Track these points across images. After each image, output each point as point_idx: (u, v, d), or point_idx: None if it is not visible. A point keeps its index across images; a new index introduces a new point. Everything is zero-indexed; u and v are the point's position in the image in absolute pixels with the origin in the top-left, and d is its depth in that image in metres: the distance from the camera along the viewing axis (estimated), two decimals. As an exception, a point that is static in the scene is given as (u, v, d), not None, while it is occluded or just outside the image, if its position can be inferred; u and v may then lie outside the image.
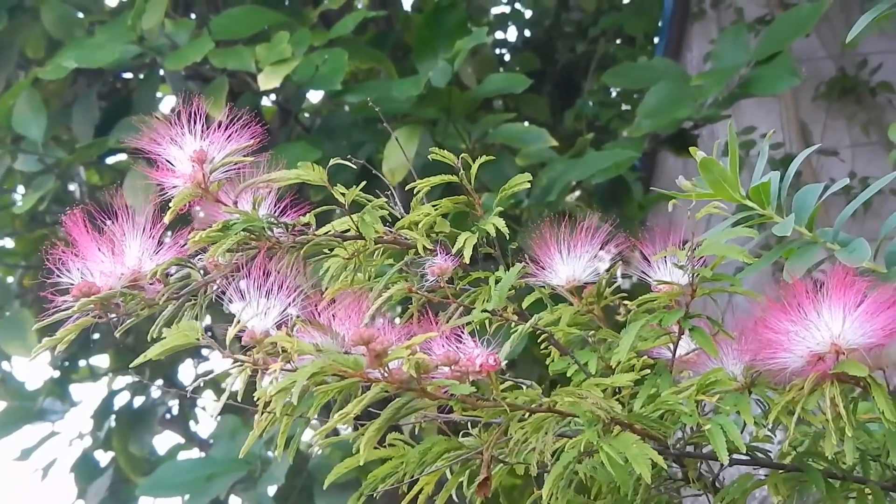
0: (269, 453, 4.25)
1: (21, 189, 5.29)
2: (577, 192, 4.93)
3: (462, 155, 1.72)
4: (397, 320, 1.70)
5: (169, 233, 1.53)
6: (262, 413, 1.43)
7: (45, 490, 5.97)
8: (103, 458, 5.73)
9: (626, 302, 1.76)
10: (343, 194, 1.54)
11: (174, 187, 1.51)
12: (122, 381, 6.11)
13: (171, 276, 1.47)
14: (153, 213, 1.48)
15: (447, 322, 1.48)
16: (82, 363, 5.86)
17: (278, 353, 1.37)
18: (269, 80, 3.76)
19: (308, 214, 1.55)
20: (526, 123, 5.04)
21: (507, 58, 7.36)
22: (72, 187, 4.64)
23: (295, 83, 3.96)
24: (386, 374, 1.27)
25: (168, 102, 5.28)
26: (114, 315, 1.45)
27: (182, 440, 6.33)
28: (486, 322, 1.56)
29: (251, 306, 1.33)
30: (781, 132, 5.12)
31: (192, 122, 1.51)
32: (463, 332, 1.40)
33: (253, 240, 1.49)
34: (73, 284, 1.44)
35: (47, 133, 4.06)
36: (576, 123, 5.79)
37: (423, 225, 1.65)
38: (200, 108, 1.52)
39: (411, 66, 4.69)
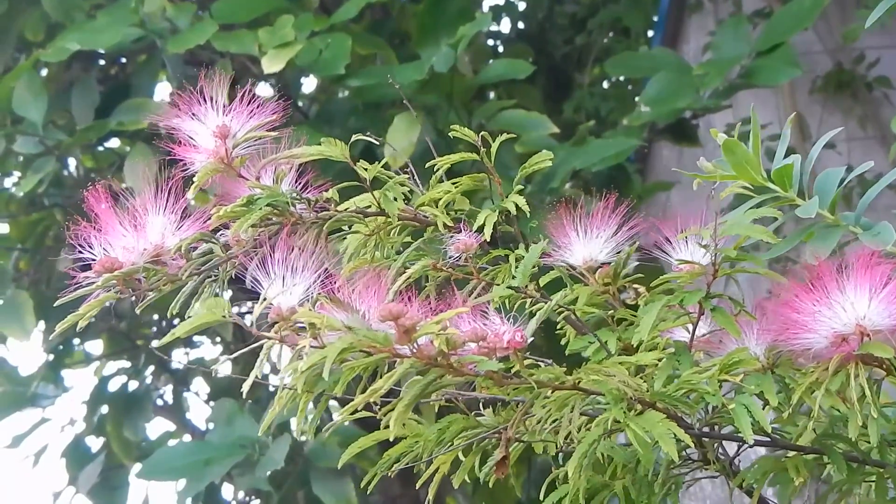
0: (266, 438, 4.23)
1: (13, 175, 5.27)
2: (569, 183, 4.93)
3: (482, 133, 1.72)
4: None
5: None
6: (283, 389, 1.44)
7: (35, 477, 5.95)
8: (94, 444, 5.72)
9: (636, 286, 1.77)
10: (366, 170, 1.53)
11: (196, 163, 1.50)
12: (114, 366, 6.10)
13: (194, 251, 1.46)
14: (174, 188, 1.47)
15: (471, 298, 1.48)
16: (77, 349, 5.83)
17: (301, 330, 1.37)
18: (272, 64, 3.75)
19: (331, 189, 1.54)
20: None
21: (500, 49, 7.35)
22: (68, 171, 4.61)
23: (298, 67, 3.95)
24: (415, 350, 1.26)
25: (165, 88, 5.25)
26: (134, 291, 1.44)
27: (173, 427, 6.32)
28: (506, 300, 1.56)
29: (277, 283, 1.33)
30: (779, 125, 5.13)
31: (214, 98, 1.50)
32: (488, 309, 1.40)
33: (276, 215, 1.48)
34: (94, 260, 1.42)
35: (47, 115, 4.04)
36: (575, 115, 5.79)
37: (443, 202, 1.64)
38: (222, 83, 1.51)
39: (408, 54, 4.68)
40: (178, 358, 6.42)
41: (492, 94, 5.82)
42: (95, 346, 6.05)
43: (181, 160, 1.50)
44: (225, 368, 6.93)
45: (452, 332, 1.25)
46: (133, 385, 5.63)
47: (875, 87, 5.39)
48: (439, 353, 1.27)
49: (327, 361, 1.20)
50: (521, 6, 7.53)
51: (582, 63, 6.85)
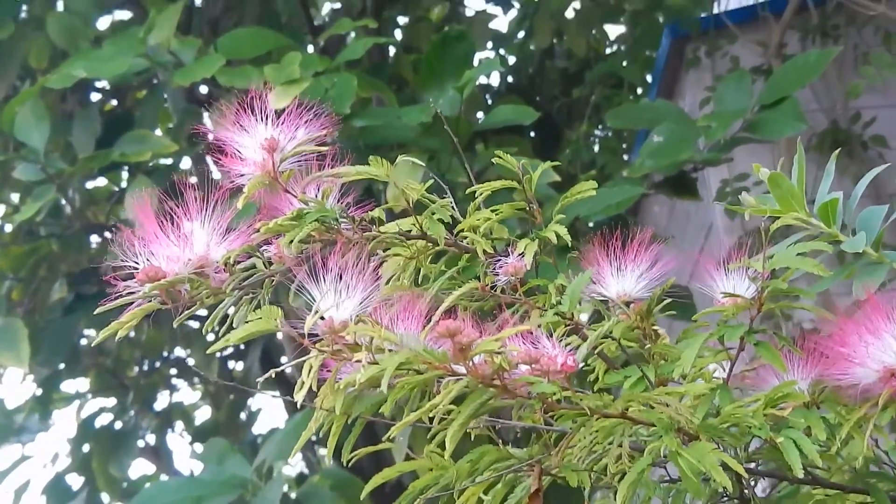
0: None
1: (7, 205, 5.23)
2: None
3: (522, 162, 1.72)
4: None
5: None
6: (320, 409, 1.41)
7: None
8: (75, 482, 5.63)
9: (657, 327, 1.75)
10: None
11: (241, 175, 1.48)
12: (96, 405, 6.03)
13: (237, 265, 1.44)
14: (220, 200, 1.44)
15: (522, 321, 1.46)
16: (67, 387, 5.77)
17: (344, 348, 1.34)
18: (280, 100, 3.71)
19: (377, 209, 1.52)
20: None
21: (489, 103, 7.38)
22: (68, 199, 4.57)
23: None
24: (471, 368, 1.24)
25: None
26: (174, 303, 1.40)
27: (153, 469, 6.25)
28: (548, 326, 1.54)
29: (328, 297, 1.30)
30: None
31: (263, 111, 1.48)
32: (535, 333, 1.38)
33: (322, 231, 1.46)
34: (134, 269, 1.39)
35: (48, 143, 4.01)
36: (570, 167, 5.79)
37: (482, 229, 1.63)
38: (269, 98, 1.49)
39: (404, 100, 4.68)
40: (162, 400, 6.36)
41: (477, 147, 5.83)
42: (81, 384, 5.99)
43: (227, 172, 1.48)
44: (204, 413, 6.89)
45: (514, 348, 1.23)
46: (119, 424, 5.55)
47: (870, 145, 5.42)
48: (495, 373, 1.25)
49: (386, 374, 1.17)
50: (511, 60, 7.57)
51: (572, 117, 6.87)
